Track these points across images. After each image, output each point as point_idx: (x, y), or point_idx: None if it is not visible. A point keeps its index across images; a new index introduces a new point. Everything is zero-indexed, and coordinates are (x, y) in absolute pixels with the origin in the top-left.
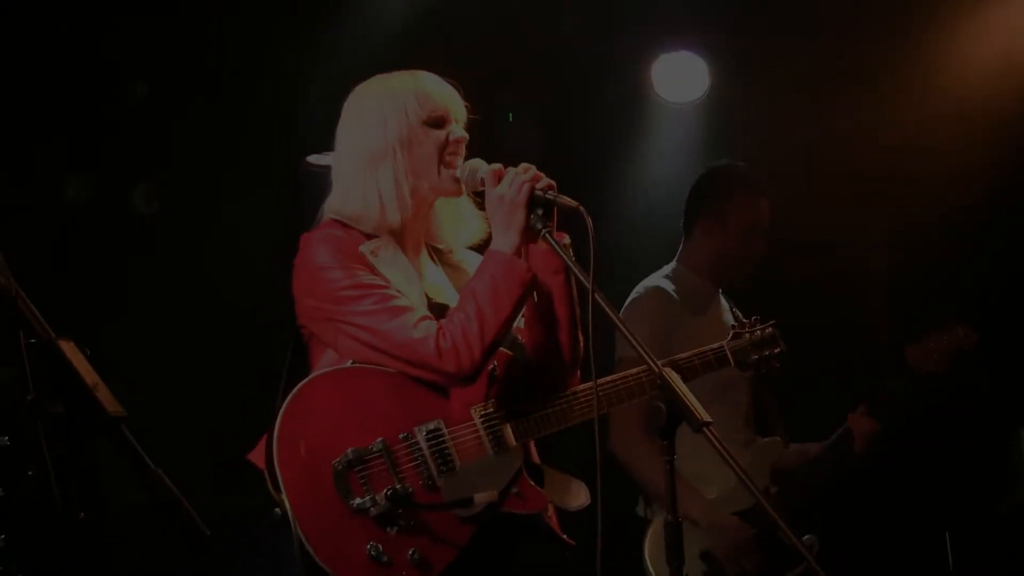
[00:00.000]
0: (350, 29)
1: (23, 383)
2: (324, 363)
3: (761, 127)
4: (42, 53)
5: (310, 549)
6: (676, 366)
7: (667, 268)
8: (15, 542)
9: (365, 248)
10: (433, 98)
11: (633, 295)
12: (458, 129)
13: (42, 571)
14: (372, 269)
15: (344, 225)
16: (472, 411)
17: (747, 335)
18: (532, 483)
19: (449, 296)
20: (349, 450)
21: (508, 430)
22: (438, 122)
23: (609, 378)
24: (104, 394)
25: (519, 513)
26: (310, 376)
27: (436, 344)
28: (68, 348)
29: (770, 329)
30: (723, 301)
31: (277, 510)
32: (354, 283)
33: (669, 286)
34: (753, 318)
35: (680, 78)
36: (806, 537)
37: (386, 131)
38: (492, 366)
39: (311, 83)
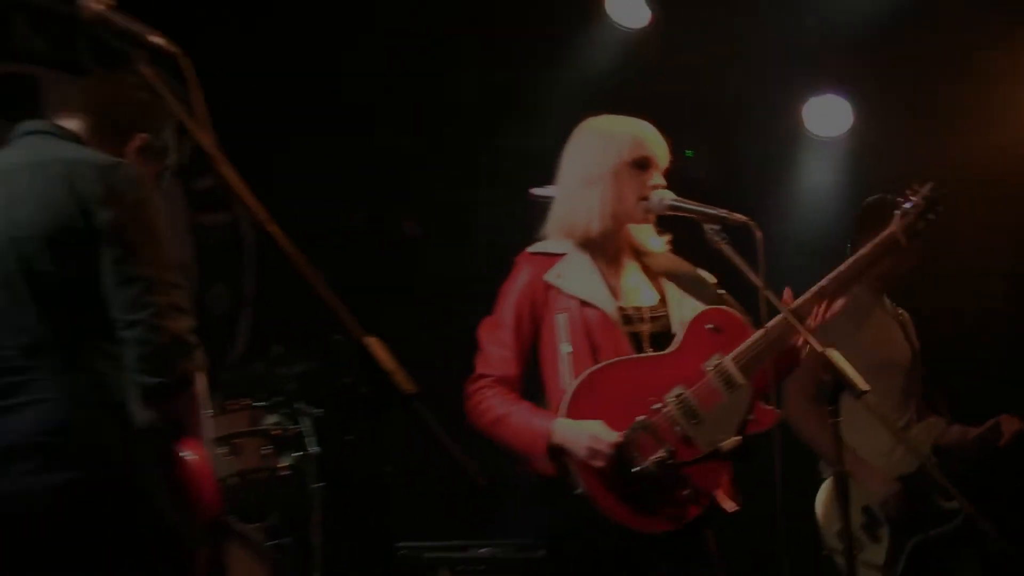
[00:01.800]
0: (573, 75)
1: (339, 371)
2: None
3: (897, 158)
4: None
5: (600, 508)
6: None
7: None
8: (330, 490)
9: (550, 276)
10: (645, 144)
11: None
12: (658, 177)
13: (352, 513)
14: (548, 299)
15: (539, 255)
16: (703, 367)
17: (911, 207)
18: (762, 404)
19: (640, 296)
20: (620, 434)
21: (735, 371)
22: (644, 164)
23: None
24: (400, 377)
25: (755, 432)
26: (579, 377)
27: (468, 388)
28: (372, 343)
29: (927, 188)
30: (886, 303)
31: (579, 490)
32: (498, 314)
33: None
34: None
35: (827, 117)
36: (951, 502)
37: (603, 162)
38: (710, 323)
39: (547, 119)
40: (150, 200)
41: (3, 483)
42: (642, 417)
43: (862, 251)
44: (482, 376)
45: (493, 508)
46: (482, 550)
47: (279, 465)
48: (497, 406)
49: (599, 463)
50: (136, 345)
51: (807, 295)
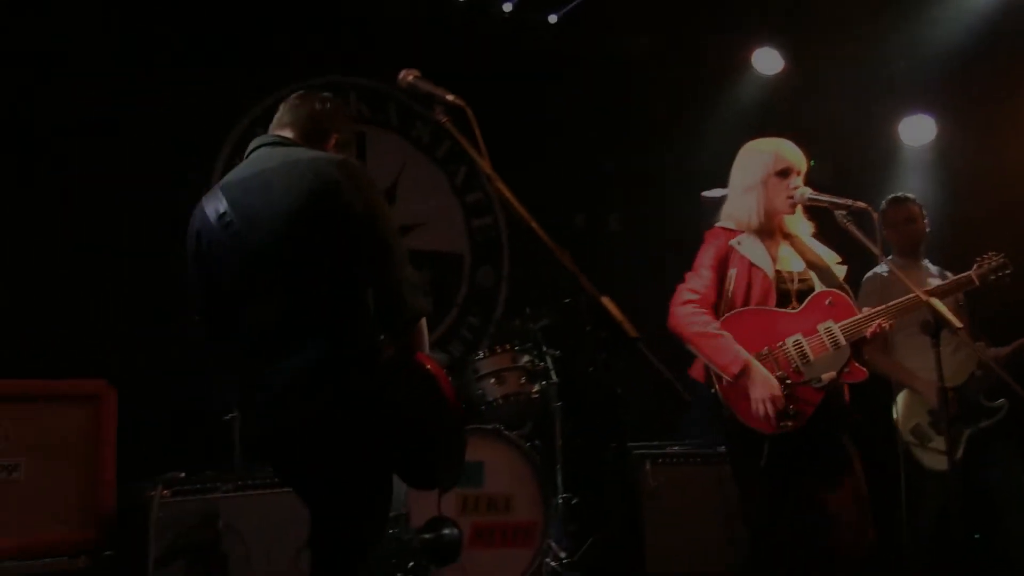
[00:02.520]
0: (730, 109)
1: (572, 324)
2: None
3: (977, 166)
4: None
5: (734, 411)
6: (937, 290)
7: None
8: (568, 408)
9: (734, 242)
10: (786, 157)
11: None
12: (798, 180)
13: (584, 424)
14: (730, 255)
15: (724, 228)
16: (818, 327)
17: (985, 264)
18: (856, 364)
19: (791, 264)
20: (751, 354)
21: (840, 335)
22: (786, 172)
23: (891, 304)
24: (627, 325)
25: (849, 381)
26: (728, 313)
27: (675, 305)
28: (606, 301)
29: (1001, 258)
30: (930, 267)
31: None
32: (698, 260)
33: (882, 270)
34: (988, 254)
35: (917, 132)
36: (999, 400)
37: (756, 173)
38: (829, 299)
39: (710, 143)
40: (373, 183)
41: (282, 412)
42: (767, 349)
43: (942, 285)
44: (690, 299)
45: (684, 412)
46: (675, 447)
47: (532, 390)
48: (705, 323)
49: (771, 405)
50: (385, 295)
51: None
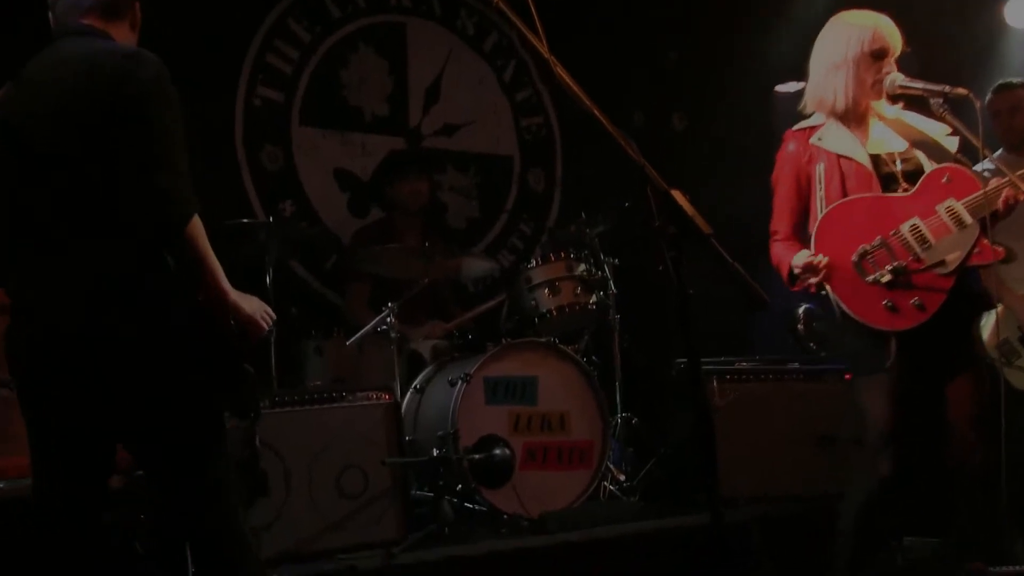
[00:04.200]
0: None
1: (652, 215)
2: None
3: None
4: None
5: (849, 311)
6: None
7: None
8: (626, 320)
9: (814, 139)
10: (884, 37)
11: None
12: (891, 65)
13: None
14: (812, 158)
15: (800, 130)
16: (936, 208)
17: None
18: (986, 241)
19: (890, 144)
20: (860, 247)
21: (965, 213)
22: (880, 54)
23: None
24: (699, 220)
25: (978, 264)
26: (827, 209)
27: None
28: (676, 194)
29: None
30: None
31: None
32: (776, 176)
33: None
34: None
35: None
36: None
37: (847, 50)
38: (946, 176)
39: (782, 32)
40: (161, 78)
41: (72, 322)
42: (879, 239)
43: None
44: (772, 233)
45: (760, 314)
46: (745, 363)
47: (588, 301)
48: (780, 255)
49: (811, 276)
50: (147, 199)
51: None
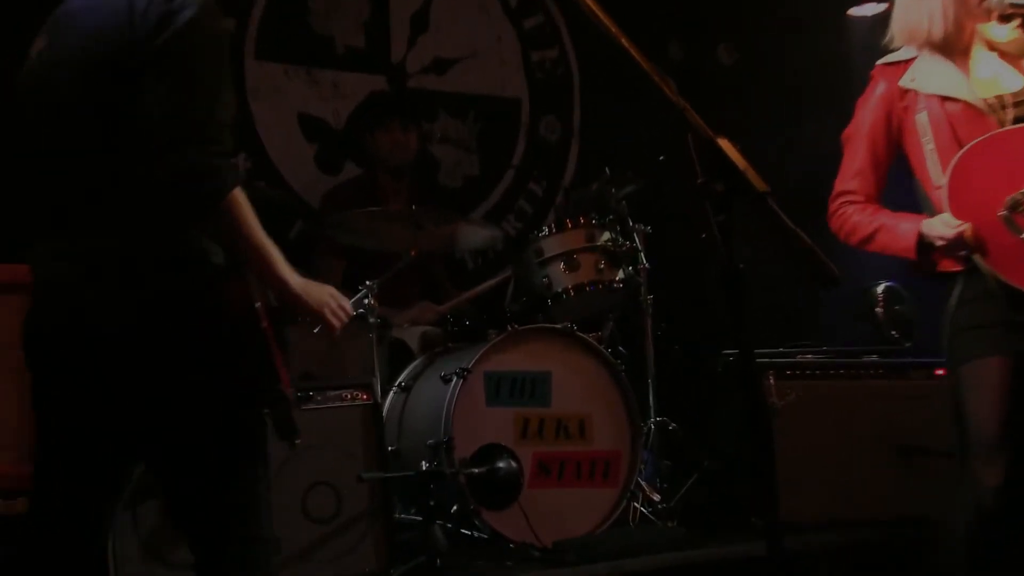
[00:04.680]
0: None
1: (694, 170)
2: None
3: None
4: None
5: (1010, 281)
6: None
7: None
8: (661, 302)
9: (905, 80)
10: None
11: None
12: None
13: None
14: (907, 105)
15: (889, 65)
16: None
17: None
18: None
19: (1005, 82)
20: (1007, 199)
21: None
22: None
23: None
24: (752, 176)
25: None
26: (949, 167)
27: (830, 206)
28: (724, 143)
29: None
30: None
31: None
32: (855, 126)
33: None
34: None
35: None
36: None
37: None
38: None
39: None
40: (207, 21)
41: (87, 294)
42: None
43: None
44: (841, 194)
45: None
46: (810, 354)
47: (614, 278)
48: (862, 224)
49: (959, 249)
50: (174, 162)
51: None
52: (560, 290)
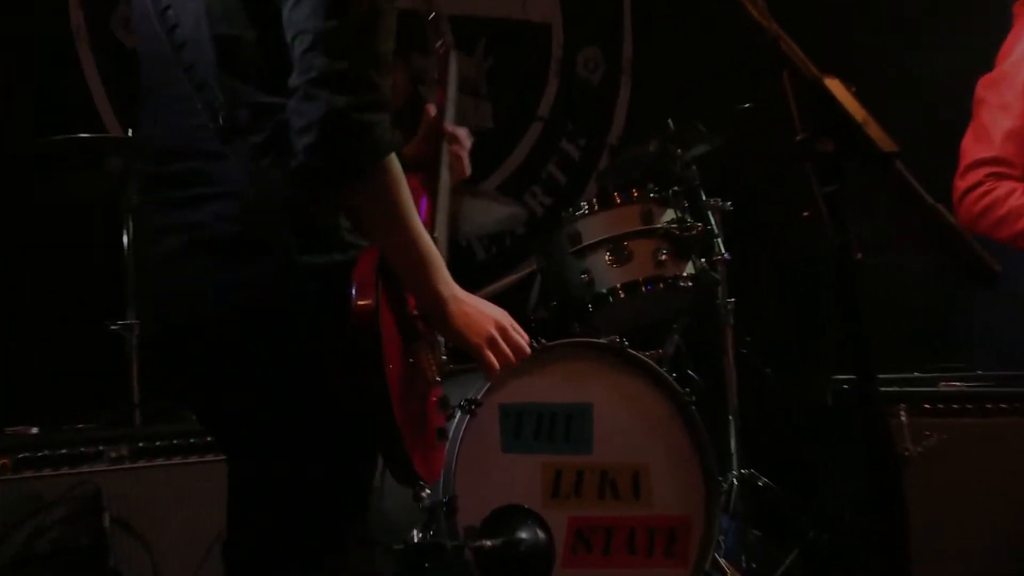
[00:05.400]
0: None
1: (792, 122)
2: None
3: None
4: None
5: None
6: None
7: None
8: (745, 306)
9: None
10: None
11: None
12: None
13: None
14: None
15: None
16: None
17: None
18: None
19: None
20: None
21: None
22: None
23: None
24: (875, 130)
25: None
26: None
27: (960, 180)
28: (834, 85)
29: None
30: None
31: None
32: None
33: None
34: None
35: None
36: None
37: None
38: None
39: None
40: None
41: (178, 280)
42: None
43: None
44: (982, 164)
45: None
46: (957, 381)
47: (679, 273)
48: (1019, 211)
49: None
50: (292, 117)
51: None
52: (605, 290)
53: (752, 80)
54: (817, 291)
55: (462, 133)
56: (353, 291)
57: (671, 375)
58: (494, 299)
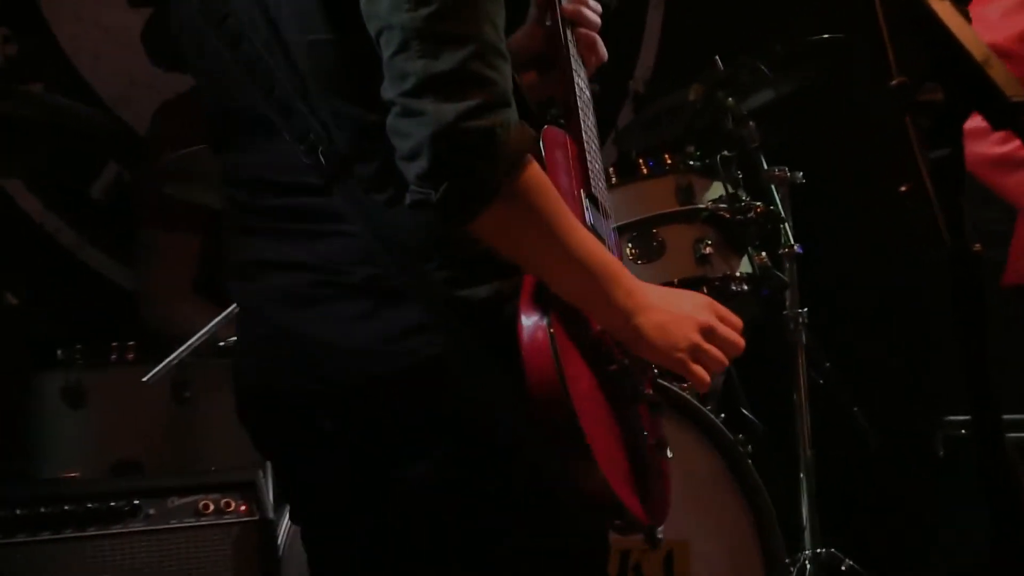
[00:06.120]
0: None
1: (887, 63)
2: None
3: None
4: None
5: None
6: None
7: None
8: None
9: None
10: None
11: None
12: None
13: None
14: None
15: None
16: None
17: None
18: None
19: None
20: None
21: None
22: None
23: None
24: (999, 72)
25: None
26: None
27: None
28: (945, 10)
29: None
30: None
31: None
32: None
33: None
34: None
35: None
36: None
37: None
38: None
39: None
40: None
41: (317, 326)
42: None
43: None
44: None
45: None
46: None
47: (730, 274)
48: None
49: None
50: (395, 140)
51: None
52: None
53: (833, 1)
54: (921, 298)
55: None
56: (523, 351)
57: (719, 416)
58: None
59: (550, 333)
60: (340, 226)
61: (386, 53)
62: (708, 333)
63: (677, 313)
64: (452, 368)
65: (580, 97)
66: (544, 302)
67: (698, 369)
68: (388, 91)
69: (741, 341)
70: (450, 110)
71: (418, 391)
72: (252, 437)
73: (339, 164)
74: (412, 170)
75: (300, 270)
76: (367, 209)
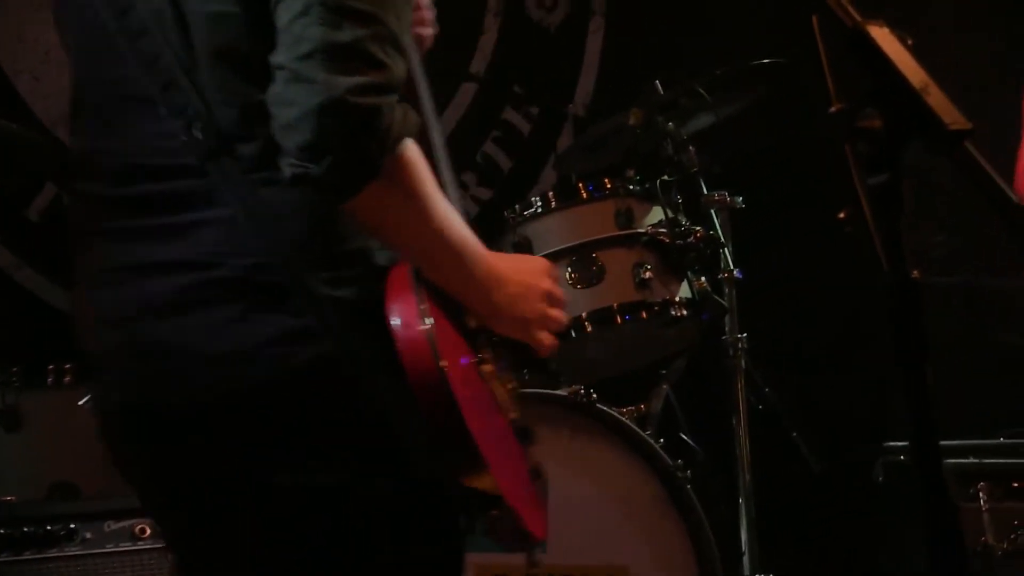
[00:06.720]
0: None
1: (824, 87)
2: None
3: None
4: None
5: None
6: None
7: None
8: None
9: None
10: None
11: None
12: None
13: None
14: None
15: None
16: None
17: None
18: None
19: None
20: None
21: None
22: None
23: None
24: (937, 99)
25: None
26: None
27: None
28: (883, 37)
29: None
30: None
31: None
32: None
33: None
34: None
35: None
36: None
37: None
38: None
39: None
40: None
41: (186, 335)
42: None
43: None
44: None
45: None
46: None
47: (670, 298)
48: None
49: None
50: (277, 108)
51: None
52: (568, 320)
53: (772, 27)
54: (861, 324)
55: None
56: (400, 344)
57: (658, 441)
58: None
59: (428, 330)
60: (212, 210)
61: (284, 18)
62: (551, 298)
63: (526, 283)
64: (336, 370)
65: (419, 84)
66: (417, 294)
67: (546, 336)
68: (279, 55)
69: (564, 296)
70: (342, 82)
71: (300, 396)
72: (118, 463)
73: (217, 140)
74: (293, 140)
75: (165, 273)
76: (242, 188)
